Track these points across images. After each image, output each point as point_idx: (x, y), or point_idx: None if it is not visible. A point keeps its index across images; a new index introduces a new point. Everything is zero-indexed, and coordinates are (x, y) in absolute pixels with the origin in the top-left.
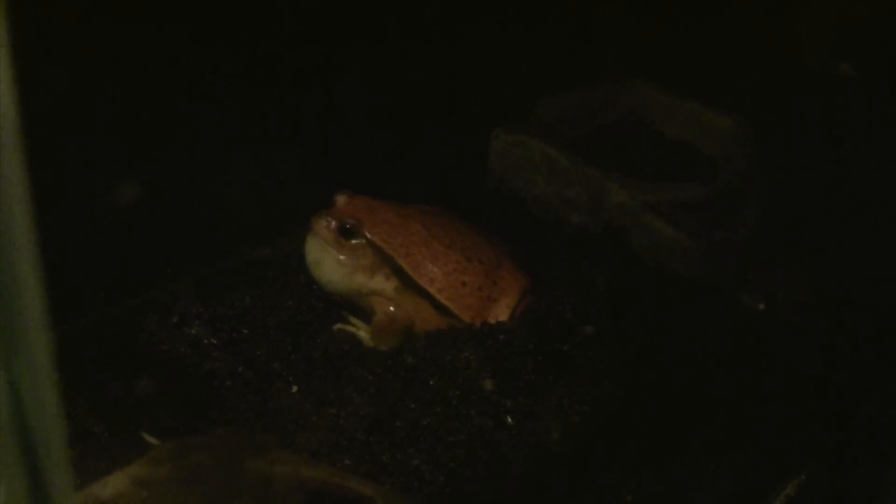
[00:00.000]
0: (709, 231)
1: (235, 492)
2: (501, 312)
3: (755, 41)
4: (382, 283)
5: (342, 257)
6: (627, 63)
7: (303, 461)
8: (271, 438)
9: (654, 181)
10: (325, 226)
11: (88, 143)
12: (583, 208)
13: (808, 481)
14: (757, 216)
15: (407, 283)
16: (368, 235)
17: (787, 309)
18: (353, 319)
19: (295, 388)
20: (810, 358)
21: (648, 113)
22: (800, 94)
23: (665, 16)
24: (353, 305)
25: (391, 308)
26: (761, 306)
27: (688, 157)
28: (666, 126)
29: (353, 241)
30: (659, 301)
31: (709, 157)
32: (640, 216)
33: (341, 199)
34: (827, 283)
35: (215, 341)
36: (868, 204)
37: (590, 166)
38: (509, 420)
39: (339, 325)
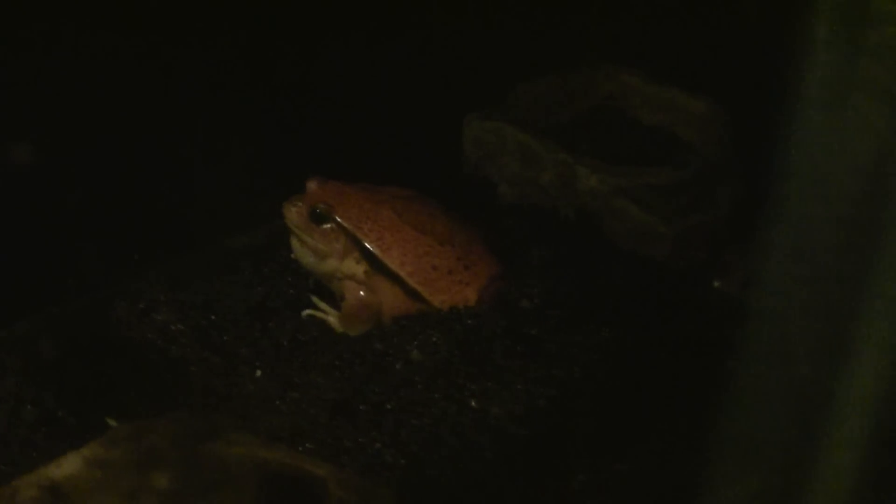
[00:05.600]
0: (681, 215)
1: (191, 473)
2: (472, 297)
3: (731, 25)
4: (353, 267)
5: (314, 242)
6: (604, 48)
7: (260, 443)
8: (229, 420)
9: (626, 166)
10: (295, 211)
11: (59, 133)
12: (555, 193)
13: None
14: (731, 200)
15: (377, 267)
16: (338, 220)
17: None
18: (323, 305)
19: (259, 373)
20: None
21: (625, 98)
22: (775, 78)
23: (641, 1)
24: (333, 291)
25: (361, 293)
26: (735, 290)
27: (665, 142)
28: (642, 111)
29: (324, 226)
30: (631, 285)
31: (685, 142)
32: (611, 201)
33: (313, 185)
34: None
35: (182, 327)
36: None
37: (562, 151)
38: (473, 404)
39: (308, 312)
